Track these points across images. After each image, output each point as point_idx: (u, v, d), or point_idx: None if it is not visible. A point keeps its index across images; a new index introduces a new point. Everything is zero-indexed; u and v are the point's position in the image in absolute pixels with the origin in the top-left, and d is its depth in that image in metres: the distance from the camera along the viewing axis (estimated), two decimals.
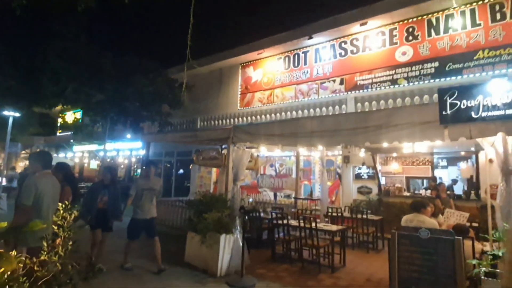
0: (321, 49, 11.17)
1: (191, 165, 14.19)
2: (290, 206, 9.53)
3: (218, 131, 7.25)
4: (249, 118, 12.81)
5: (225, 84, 13.98)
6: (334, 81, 10.75)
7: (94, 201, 5.11)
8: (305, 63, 11.54)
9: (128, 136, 14.91)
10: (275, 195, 11.42)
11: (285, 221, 6.09)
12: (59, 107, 17.70)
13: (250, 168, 11.62)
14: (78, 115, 18.94)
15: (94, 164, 21.93)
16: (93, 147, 20.28)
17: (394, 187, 9.26)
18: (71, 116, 20.75)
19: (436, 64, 8.75)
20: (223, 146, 9.36)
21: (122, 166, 19.12)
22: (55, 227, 2.13)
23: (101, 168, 20.54)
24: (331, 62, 10.88)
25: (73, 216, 2.13)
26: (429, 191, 8.38)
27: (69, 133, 20.28)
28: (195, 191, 13.53)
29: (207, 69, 14.41)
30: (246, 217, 5.84)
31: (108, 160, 19.94)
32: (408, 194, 9.09)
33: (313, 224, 5.48)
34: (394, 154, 9.46)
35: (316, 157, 10.84)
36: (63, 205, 2.12)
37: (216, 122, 13.94)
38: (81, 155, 21.47)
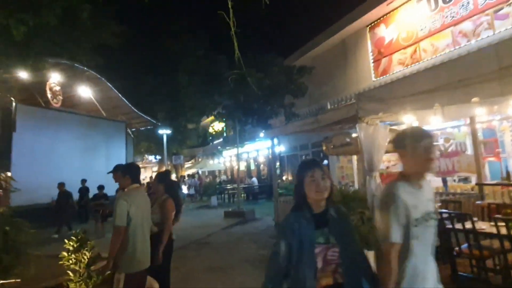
0: None
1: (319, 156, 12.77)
2: (472, 195, 6.60)
3: (341, 110, 5.62)
4: None
5: (351, 57, 11.84)
6: None
7: None
8: None
9: (261, 135, 14.96)
10: (444, 181, 8.48)
11: (467, 225, 3.84)
12: (209, 119, 20.23)
13: (391, 151, 9.07)
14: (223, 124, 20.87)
15: (242, 166, 23.82)
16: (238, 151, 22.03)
17: None
18: (219, 125, 23.17)
19: None
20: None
21: (261, 166, 19.72)
22: None
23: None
24: None
25: None
26: None
27: (220, 140, 22.72)
28: (336, 185, 12.08)
29: (326, 46, 12.68)
30: None
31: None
32: None
33: None
34: None
35: (505, 122, 7.32)
36: None
37: (349, 103, 11.96)
38: (229, 159, 23.69)
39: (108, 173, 3.42)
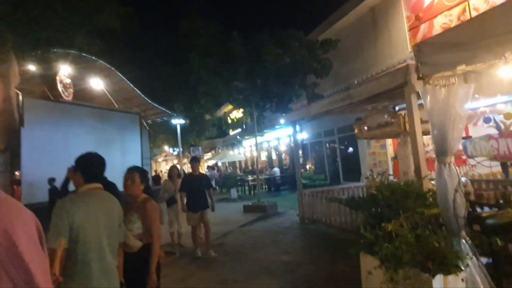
0: None
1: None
2: None
3: (381, 79, 4.41)
4: None
5: (382, 26, 10.31)
6: None
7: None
8: None
9: (282, 121, 13.78)
10: (504, 167, 7.01)
11: None
12: (228, 108, 19.23)
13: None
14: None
15: (263, 156, 22.78)
16: (258, 139, 20.96)
17: None
18: (238, 114, 22.19)
19: None
20: (397, 108, 6.27)
21: (283, 155, 18.60)
22: None
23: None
24: None
25: None
26: None
27: (239, 130, 21.74)
28: (367, 173, 10.76)
29: (353, 17, 11.20)
30: (477, 226, 2.76)
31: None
32: None
33: None
34: None
35: None
36: None
37: (391, 69, 10.50)
38: (250, 149, 22.71)
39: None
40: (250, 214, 9.19)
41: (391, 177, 6.38)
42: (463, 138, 6.39)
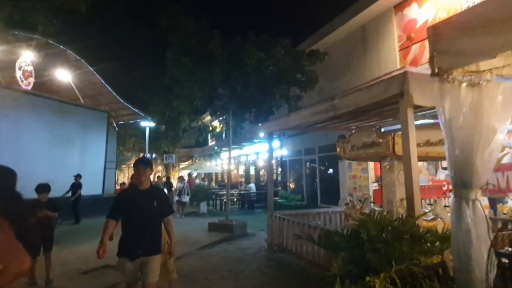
0: None
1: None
2: None
3: (376, 88, 3.69)
4: None
5: (372, 44, 9.88)
6: None
7: None
8: None
9: (262, 134, 12.98)
10: (492, 202, 6.42)
11: None
12: (208, 118, 18.20)
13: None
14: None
15: (241, 170, 21.79)
16: (236, 152, 20.03)
17: None
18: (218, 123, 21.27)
19: None
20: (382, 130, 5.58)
21: (262, 171, 17.73)
22: None
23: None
24: None
25: None
26: None
27: (218, 140, 20.74)
28: (346, 198, 10.02)
29: (343, 32, 10.77)
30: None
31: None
32: None
33: None
34: None
35: None
36: None
37: (384, 76, 9.96)
38: (227, 161, 21.71)
39: None
40: (215, 234, 8.16)
41: (372, 205, 5.61)
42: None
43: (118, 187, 19.06)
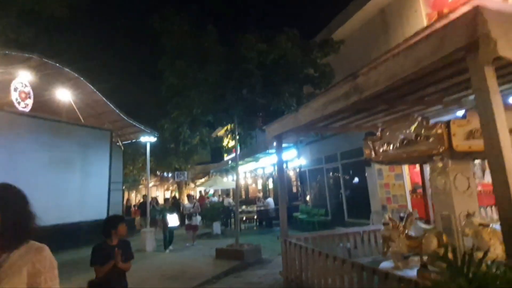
0: None
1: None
2: None
3: (423, 44, 2.37)
4: None
5: (395, 29, 8.49)
6: None
7: None
8: None
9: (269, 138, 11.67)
10: None
11: None
12: (222, 132, 17.20)
13: None
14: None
15: (259, 185, 20.46)
16: (252, 165, 18.78)
17: None
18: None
19: None
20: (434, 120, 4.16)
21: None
22: None
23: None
24: None
25: None
26: None
27: (233, 155, 19.64)
28: (379, 211, 8.42)
29: (358, 21, 9.48)
30: None
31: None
32: None
33: None
34: None
35: None
36: None
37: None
38: (244, 176, 20.48)
39: None
40: (222, 262, 6.86)
41: (420, 223, 4.12)
42: None
43: (133, 208, 18.31)
